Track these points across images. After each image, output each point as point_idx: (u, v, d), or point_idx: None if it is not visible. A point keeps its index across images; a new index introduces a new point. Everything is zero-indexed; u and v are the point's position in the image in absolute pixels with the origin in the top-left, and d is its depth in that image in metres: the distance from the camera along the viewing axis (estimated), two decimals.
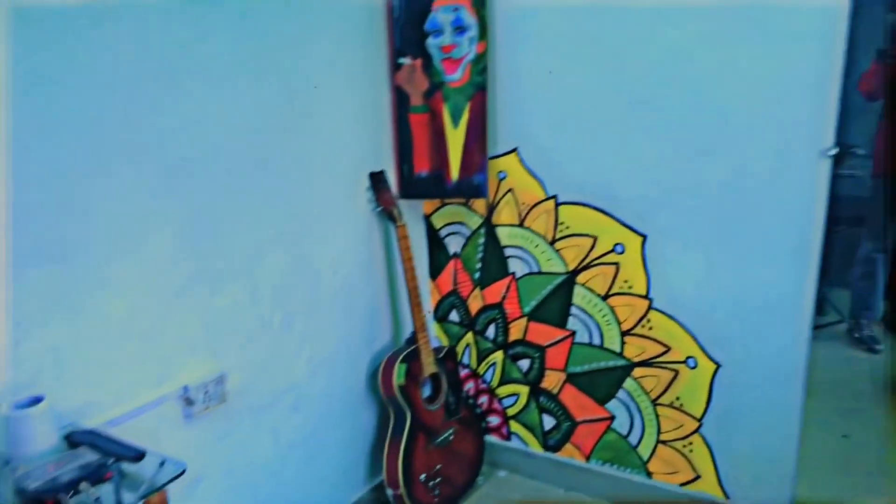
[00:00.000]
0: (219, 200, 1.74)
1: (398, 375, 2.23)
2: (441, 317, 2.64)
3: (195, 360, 1.73)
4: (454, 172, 2.35)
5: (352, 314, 2.29)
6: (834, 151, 1.92)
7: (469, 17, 2.23)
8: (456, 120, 2.32)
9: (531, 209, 2.36)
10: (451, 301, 2.60)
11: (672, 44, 2.01)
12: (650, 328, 2.24)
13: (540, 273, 2.39)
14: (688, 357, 2.20)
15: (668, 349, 2.22)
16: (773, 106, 1.92)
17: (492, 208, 2.43)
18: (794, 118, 1.91)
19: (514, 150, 2.34)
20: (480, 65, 2.25)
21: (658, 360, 2.25)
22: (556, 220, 2.32)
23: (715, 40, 1.95)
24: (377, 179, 2.28)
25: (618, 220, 2.21)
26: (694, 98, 2.01)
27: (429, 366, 2.31)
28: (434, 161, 2.36)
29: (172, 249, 1.63)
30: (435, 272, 2.60)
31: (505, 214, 2.41)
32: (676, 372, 2.23)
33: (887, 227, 3.43)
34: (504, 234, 2.43)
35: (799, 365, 2.06)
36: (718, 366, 2.16)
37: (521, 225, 2.39)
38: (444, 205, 2.52)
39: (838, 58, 1.83)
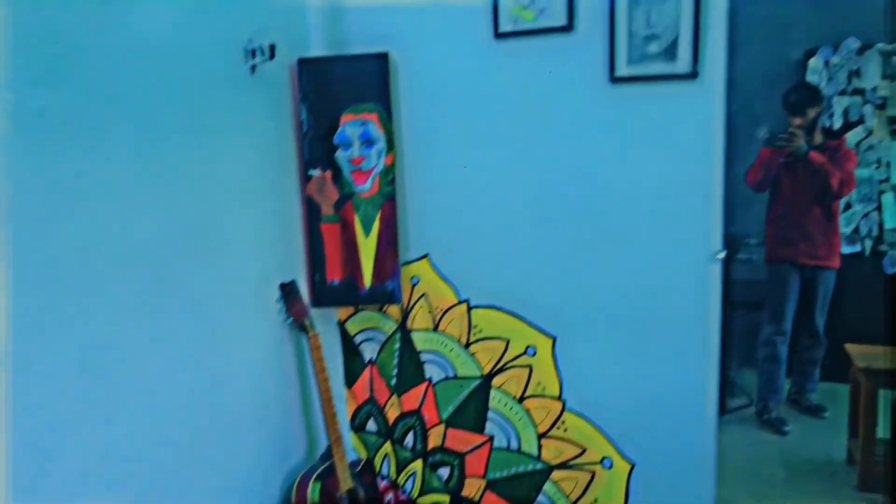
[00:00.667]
0: (120, 328, 1.68)
1: (312, 494, 2.14)
2: (358, 426, 2.58)
3: None
4: (367, 279, 2.36)
5: (264, 431, 2.21)
6: (723, 255, 2.04)
7: (376, 131, 2.31)
8: (367, 229, 2.35)
9: (445, 313, 2.38)
10: (368, 409, 2.56)
11: (575, 159, 2.15)
12: (565, 430, 2.26)
13: (456, 377, 2.39)
14: (603, 457, 2.22)
15: (583, 450, 2.24)
16: (669, 216, 2.07)
17: (406, 313, 2.44)
18: (688, 227, 2.06)
19: (425, 256, 2.38)
20: (389, 176, 2.32)
21: (575, 461, 2.26)
22: (470, 324, 2.35)
23: (613, 156, 2.10)
24: (288, 290, 2.26)
25: (528, 322, 2.26)
26: (597, 210, 2.15)
27: (345, 481, 2.24)
28: (346, 269, 2.37)
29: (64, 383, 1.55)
30: (351, 380, 2.56)
31: (419, 319, 2.42)
32: (593, 473, 2.24)
33: (784, 310, 3.61)
34: (419, 339, 2.43)
35: (709, 456, 2.12)
36: (633, 465, 2.19)
37: (435, 329, 2.40)
38: (358, 311, 2.51)
39: (719, 178, 2.00)
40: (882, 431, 2.98)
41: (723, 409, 3.68)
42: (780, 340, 3.64)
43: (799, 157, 3.34)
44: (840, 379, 3.47)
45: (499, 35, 2.18)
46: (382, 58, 2.29)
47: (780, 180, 3.50)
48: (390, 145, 2.31)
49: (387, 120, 2.30)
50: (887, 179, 3.89)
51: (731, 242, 3.68)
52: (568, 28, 2.11)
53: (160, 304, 1.81)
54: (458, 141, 2.28)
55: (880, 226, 3.94)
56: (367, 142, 2.31)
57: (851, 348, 3.14)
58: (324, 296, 2.38)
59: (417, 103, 2.31)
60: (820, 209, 3.50)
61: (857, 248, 3.99)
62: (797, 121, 3.38)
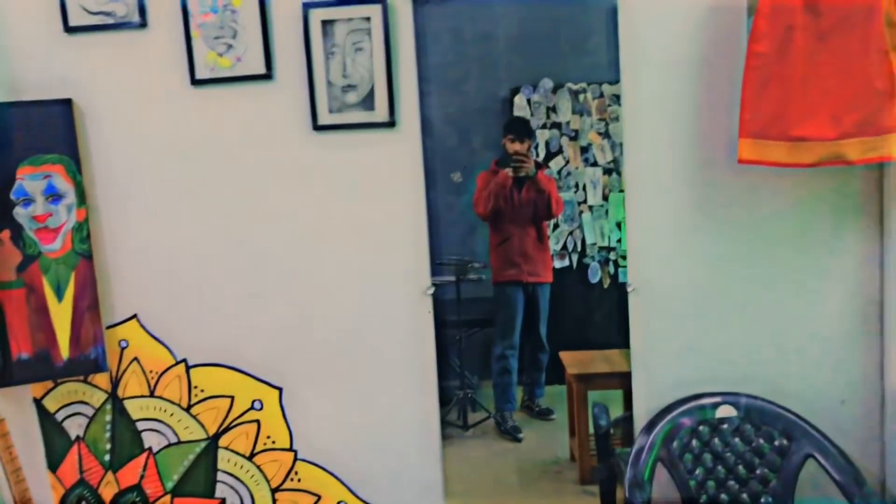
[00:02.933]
0: None
1: None
2: None
3: None
4: (64, 350, 2.13)
5: None
6: (432, 290, 2.16)
7: (63, 184, 2.10)
8: (60, 292, 2.12)
9: (161, 376, 2.23)
10: (78, 493, 2.29)
11: (284, 207, 2.16)
12: (299, 480, 2.23)
13: (179, 443, 2.24)
14: (339, 502, 2.23)
15: (318, 498, 2.23)
16: (383, 257, 2.16)
17: (116, 381, 2.24)
18: (397, 266, 2.15)
19: (133, 317, 2.21)
20: (83, 232, 2.12)
21: None
22: (190, 385, 2.22)
23: (322, 203, 2.15)
24: None
25: (252, 376, 2.21)
26: (310, 257, 2.17)
27: None
28: (37, 339, 2.10)
29: None
30: (54, 462, 2.28)
31: (132, 386, 2.24)
32: None
33: (514, 326, 3.93)
34: (134, 407, 2.25)
35: (435, 482, 2.21)
36: None
37: (152, 395, 2.23)
38: (58, 384, 2.24)
39: (422, 219, 2.13)
40: (593, 428, 3.36)
41: (465, 426, 3.90)
42: (511, 354, 3.95)
43: (529, 178, 3.64)
44: (561, 381, 3.86)
45: (196, 82, 2.11)
46: (66, 104, 2.10)
47: (499, 208, 3.79)
48: (81, 199, 2.11)
49: (75, 172, 2.10)
50: (585, 201, 4.44)
51: (459, 268, 3.94)
52: (267, 76, 2.10)
53: None
54: (160, 193, 2.17)
55: (583, 241, 4.47)
56: (53, 196, 2.09)
57: (564, 356, 3.51)
58: (11, 373, 2.09)
59: (111, 154, 2.16)
60: (535, 231, 3.88)
61: (566, 262, 4.49)
62: (519, 147, 3.70)
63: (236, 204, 2.17)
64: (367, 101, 2.09)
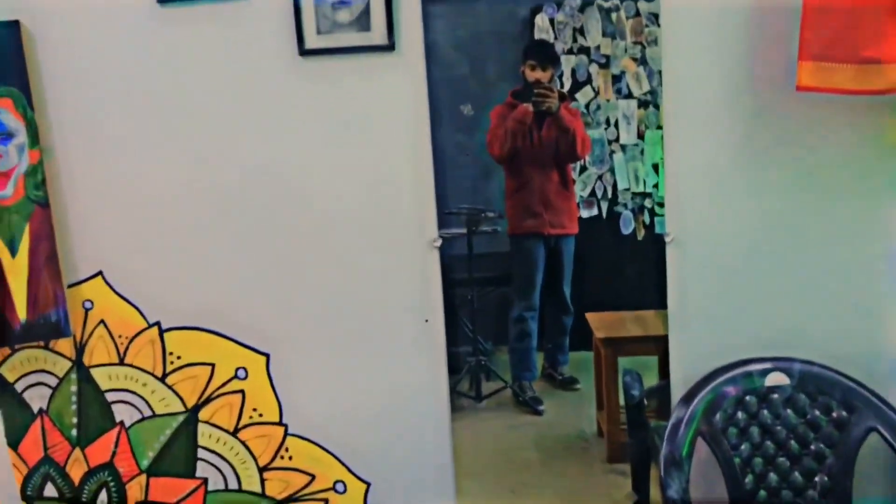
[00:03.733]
0: None
1: None
2: (33, 495, 2.36)
3: None
4: (21, 311, 2.16)
5: None
6: (439, 243, 2.16)
7: (13, 121, 2.10)
8: (13, 246, 2.14)
9: (131, 342, 2.26)
10: (43, 471, 2.34)
11: (268, 147, 2.14)
12: (290, 458, 2.27)
13: (154, 416, 2.29)
14: (336, 482, 2.27)
15: (312, 478, 2.28)
16: (382, 205, 2.15)
17: (81, 347, 2.27)
18: (398, 214, 2.15)
19: (98, 274, 2.23)
20: (38, 177, 2.12)
21: (304, 492, 2.28)
22: (164, 351, 2.25)
23: (310, 141, 2.14)
24: None
25: (235, 341, 2.23)
26: (299, 205, 2.17)
27: None
28: None
29: None
30: (15, 439, 2.33)
31: (99, 352, 2.28)
32: (325, 501, 2.28)
33: (533, 285, 3.94)
34: (102, 377, 2.29)
35: (445, 458, 2.25)
36: (368, 485, 2.27)
37: (121, 362, 2.27)
38: (15, 351, 2.28)
39: (427, 158, 2.12)
40: (624, 399, 3.39)
41: (479, 397, 3.95)
42: (531, 316, 3.98)
43: (551, 113, 3.61)
44: (588, 347, 3.90)
45: (162, 0, 2.08)
46: (12, 27, 2.08)
47: (517, 149, 3.76)
48: (35, 139, 2.11)
49: (26, 106, 2.09)
50: (616, 139, 4.40)
51: (471, 218, 3.94)
52: None
53: None
54: (125, 131, 2.17)
55: (614, 187, 4.45)
56: (1, 135, 2.09)
57: (591, 318, 3.53)
58: None
59: (68, 87, 2.16)
60: (558, 174, 3.86)
61: (594, 211, 4.48)
62: (541, 76, 3.65)
63: (213, 143, 2.16)
64: (362, 21, 2.06)
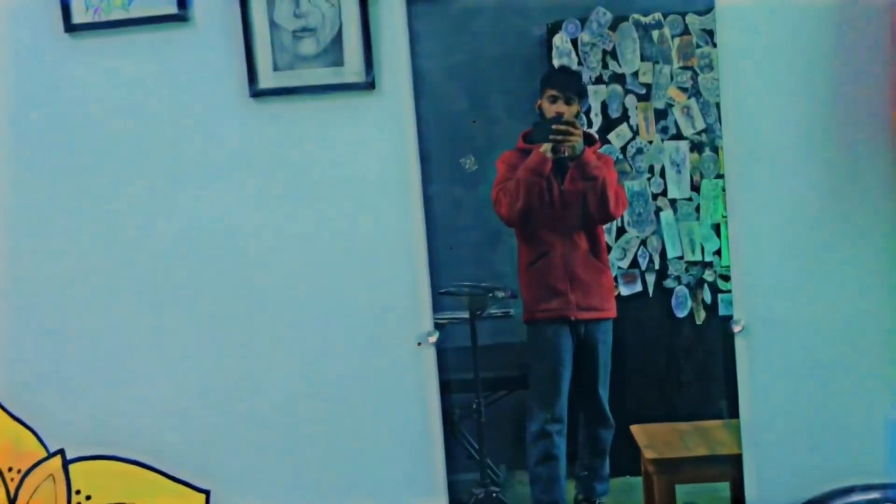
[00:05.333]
0: None
1: None
2: None
3: None
4: None
5: None
6: (435, 337, 2.18)
7: None
8: None
9: (25, 476, 2.26)
10: None
11: (212, 214, 2.21)
12: None
13: None
14: None
15: None
16: (360, 287, 2.20)
17: None
18: (384, 301, 2.20)
19: None
20: None
21: None
22: (69, 490, 2.25)
23: (265, 205, 2.20)
24: None
25: (164, 474, 2.23)
26: (253, 290, 2.22)
27: None
28: None
29: None
30: None
31: None
32: None
33: (558, 387, 3.92)
34: None
35: None
36: None
37: None
38: None
39: (419, 225, 2.18)
40: None
41: None
42: (557, 430, 3.94)
43: (574, 158, 3.65)
44: (635, 471, 3.86)
45: (71, 28, 2.16)
46: None
47: (532, 207, 3.79)
48: None
49: None
50: (664, 192, 4.45)
51: (474, 299, 3.95)
52: (179, 17, 2.14)
53: None
54: (22, 188, 2.24)
55: (662, 255, 4.48)
56: None
57: (638, 431, 3.52)
58: None
59: None
60: (586, 240, 3.89)
61: (637, 287, 4.50)
62: (564, 110, 3.71)
63: (136, 207, 2.21)
64: (332, 52, 2.13)
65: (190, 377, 2.21)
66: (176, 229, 2.20)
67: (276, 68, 2.13)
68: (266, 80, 2.13)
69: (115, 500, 2.24)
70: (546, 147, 3.64)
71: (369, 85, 2.13)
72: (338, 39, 2.12)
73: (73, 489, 2.24)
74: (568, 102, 3.72)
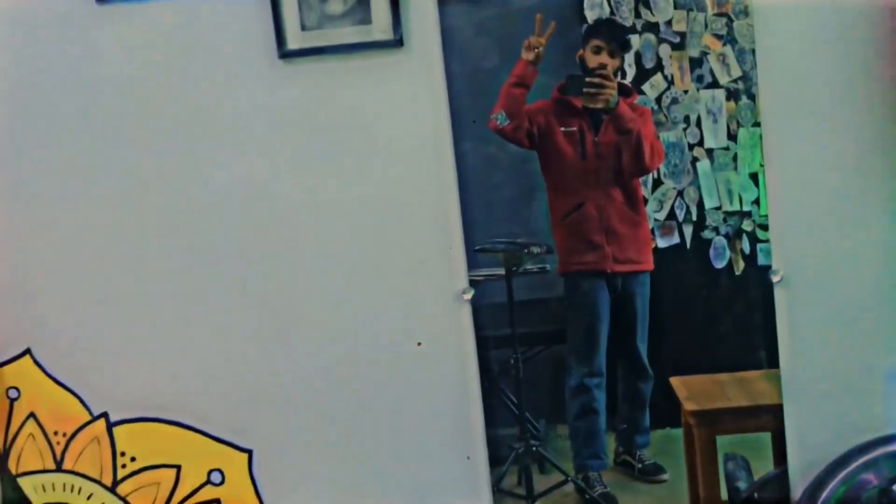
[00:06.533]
0: None
1: None
2: None
3: None
4: None
5: None
6: (470, 294, 2.19)
7: None
8: None
9: (71, 440, 2.30)
10: None
11: (243, 175, 2.22)
12: None
13: None
14: None
15: None
16: (393, 246, 2.21)
17: (6, 450, 2.32)
18: (418, 259, 2.20)
19: (26, 353, 2.28)
20: None
21: None
22: (114, 452, 2.29)
23: (296, 166, 2.21)
24: None
25: (207, 434, 2.26)
26: (283, 250, 2.23)
27: None
28: None
29: None
30: None
31: (29, 456, 2.32)
32: None
33: (596, 340, 3.92)
34: (33, 487, 2.33)
35: None
36: None
37: (59, 468, 2.31)
38: None
39: (451, 183, 2.17)
40: (727, 493, 3.36)
41: (531, 496, 3.93)
42: (596, 384, 3.95)
43: (608, 110, 3.63)
44: (675, 423, 3.86)
45: None
46: None
47: (562, 156, 3.77)
48: None
49: None
50: (700, 142, 4.41)
51: (510, 255, 3.95)
52: None
53: None
54: (57, 161, 2.25)
55: (699, 205, 4.45)
56: None
57: (678, 383, 3.51)
58: None
59: None
60: (621, 192, 3.87)
61: (675, 239, 4.47)
62: (608, 62, 3.68)
63: (170, 173, 2.23)
64: (360, 11, 2.12)
65: (230, 339, 2.24)
66: (210, 193, 2.22)
67: (303, 28, 2.12)
68: (294, 40, 2.13)
69: (159, 460, 2.28)
70: (583, 98, 3.60)
71: (397, 42, 2.12)
72: None
73: (118, 451, 2.28)
74: (611, 55, 3.69)
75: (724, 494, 3.00)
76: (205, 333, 2.23)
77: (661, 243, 4.41)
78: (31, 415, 2.30)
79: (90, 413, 2.28)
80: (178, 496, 2.29)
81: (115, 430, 2.28)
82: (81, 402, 2.28)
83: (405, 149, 2.17)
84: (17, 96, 2.24)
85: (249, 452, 2.25)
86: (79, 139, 2.24)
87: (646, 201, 4.18)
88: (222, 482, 2.27)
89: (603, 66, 3.62)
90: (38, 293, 2.27)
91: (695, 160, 4.43)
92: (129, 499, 2.30)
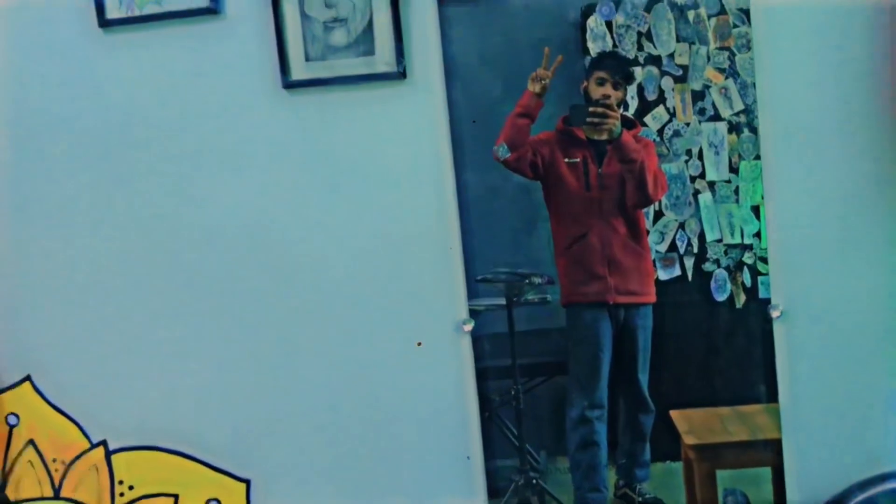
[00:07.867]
0: None
1: None
2: None
3: None
4: None
5: None
6: (470, 326, 2.19)
7: None
8: None
9: (69, 467, 2.30)
10: None
11: (245, 205, 2.24)
12: None
13: None
14: None
15: None
16: (394, 276, 2.22)
17: (4, 477, 2.31)
18: (418, 290, 2.21)
19: (26, 379, 2.29)
20: None
21: None
22: (113, 480, 2.29)
23: (299, 196, 2.22)
24: None
25: (205, 464, 2.26)
26: (288, 281, 2.25)
27: None
28: None
29: None
30: None
31: (28, 483, 2.32)
32: None
33: (598, 372, 3.92)
34: None
35: None
36: None
37: (57, 496, 2.31)
38: None
39: (453, 211, 2.19)
40: None
41: None
42: (597, 416, 3.93)
43: (611, 140, 3.64)
44: (675, 456, 3.85)
45: (104, 23, 2.18)
46: None
47: (565, 186, 3.79)
48: None
49: None
50: (702, 175, 4.42)
51: (511, 286, 3.95)
52: (211, 10, 2.16)
53: None
54: (60, 188, 2.27)
55: (701, 237, 4.45)
56: None
57: (678, 417, 3.51)
58: None
59: None
60: (625, 224, 3.88)
61: (676, 271, 4.47)
62: (611, 93, 3.70)
63: (173, 202, 2.24)
64: (364, 42, 2.14)
65: (229, 368, 2.24)
66: (212, 221, 2.23)
67: (307, 59, 2.14)
68: (298, 71, 2.15)
69: (157, 489, 2.27)
70: (585, 128, 3.62)
71: (401, 74, 2.14)
72: (369, 29, 2.13)
73: (116, 479, 2.28)
74: (615, 87, 3.72)
75: None
76: (204, 362, 2.24)
77: (663, 275, 4.40)
78: (30, 442, 2.30)
79: (89, 441, 2.28)
80: None
81: (114, 457, 2.28)
82: (80, 429, 2.28)
83: (407, 179, 2.18)
84: (21, 123, 2.25)
85: (248, 482, 2.25)
86: (81, 167, 2.25)
87: (648, 233, 4.18)
88: None
89: (606, 97, 3.64)
90: (38, 320, 2.27)
91: (696, 192, 4.44)
92: None
